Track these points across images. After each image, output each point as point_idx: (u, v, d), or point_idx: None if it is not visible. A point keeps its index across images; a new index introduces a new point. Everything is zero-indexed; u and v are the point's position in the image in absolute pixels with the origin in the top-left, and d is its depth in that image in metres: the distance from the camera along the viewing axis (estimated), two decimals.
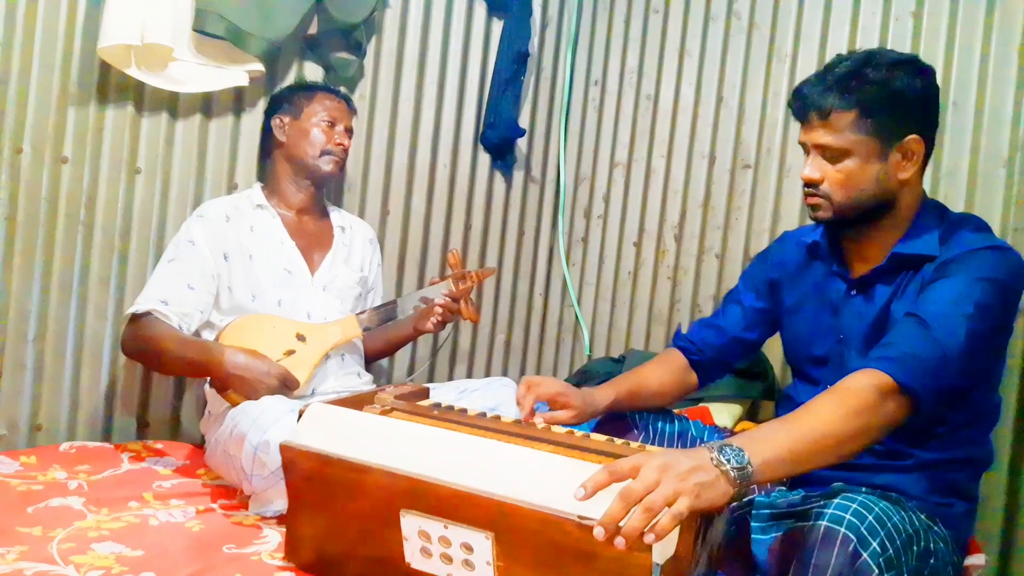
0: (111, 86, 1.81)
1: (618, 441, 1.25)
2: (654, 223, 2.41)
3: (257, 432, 1.43)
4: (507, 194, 2.52)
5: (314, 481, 1.22)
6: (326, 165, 1.87)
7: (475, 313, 1.95)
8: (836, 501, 1.05)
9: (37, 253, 1.75)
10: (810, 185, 1.29)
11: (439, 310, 1.87)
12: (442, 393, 1.70)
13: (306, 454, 1.21)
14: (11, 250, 1.72)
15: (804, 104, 1.28)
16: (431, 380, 2.33)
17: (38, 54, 1.71)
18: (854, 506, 1.03)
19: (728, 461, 0.97)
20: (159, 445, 1.83)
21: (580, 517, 0.99)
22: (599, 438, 1.26)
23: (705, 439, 1.47)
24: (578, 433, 1.28)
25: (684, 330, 1.60)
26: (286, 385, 1.63)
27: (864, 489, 1.15)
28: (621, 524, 0.93)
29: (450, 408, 1.40)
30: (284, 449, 1.23)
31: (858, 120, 1.23)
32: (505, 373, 2.58)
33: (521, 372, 2.62)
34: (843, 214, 1.28)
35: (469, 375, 2.50)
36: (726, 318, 1.54)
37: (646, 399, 1.50)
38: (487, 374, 2.54)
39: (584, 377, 2.24)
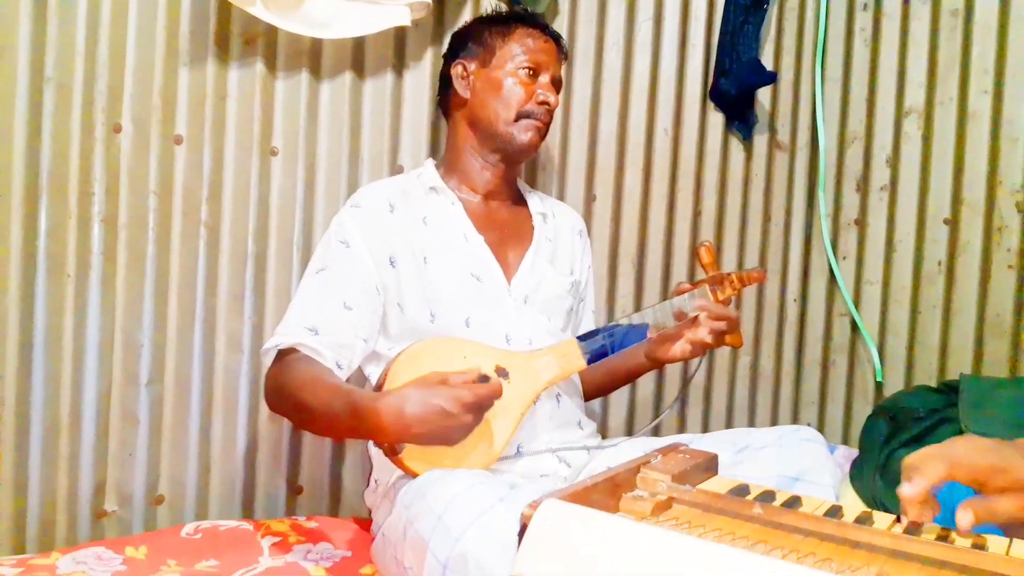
0: (234, 38, 1.35)
1: None
2: (979, 189, 1.68)
3: (445, 539, 0.87)
4: (747, 165, 1.89)
5: None
6: (523, 134, 1.31)
7: (739, 334, 1.32)
8: None
9: (147, 266, 1.30)
10: None
11: (700, 332, 1.25)
12: (710, 449, 1.08)
13: None
14: (112, 263, 1.27)
15: None
16: (657, 426, 1.72)
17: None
18: None
19: None
20: (312, 524, 1.33)
21: None
22: None
23: None
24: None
25: None
26: (484, 407, 1.06)
27: None
28: None
29: (770, 496, 0.81)
30: None
31: None
32: (753, 407, 1.92)
33: (774, 406, 1.95)
34: None
35: (705, 416, 1.85)
36: None
37: None
38: (728, 411, 1.89)
39: (894, 416, 1.54)
